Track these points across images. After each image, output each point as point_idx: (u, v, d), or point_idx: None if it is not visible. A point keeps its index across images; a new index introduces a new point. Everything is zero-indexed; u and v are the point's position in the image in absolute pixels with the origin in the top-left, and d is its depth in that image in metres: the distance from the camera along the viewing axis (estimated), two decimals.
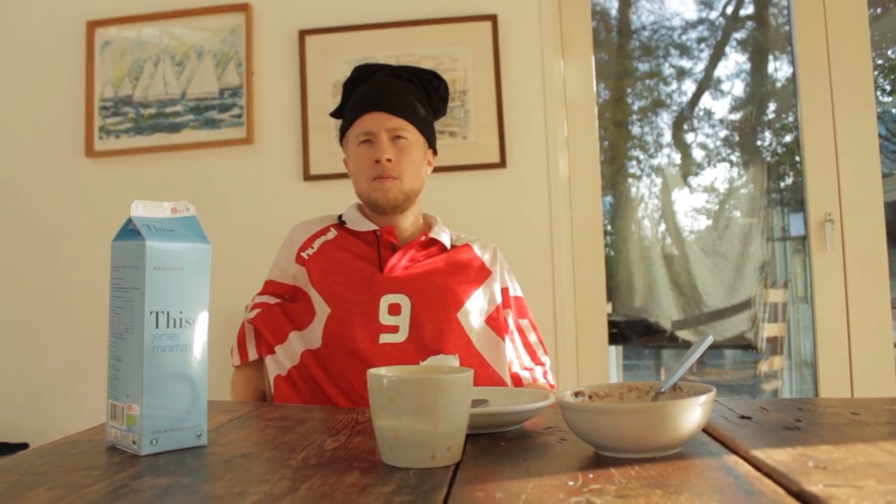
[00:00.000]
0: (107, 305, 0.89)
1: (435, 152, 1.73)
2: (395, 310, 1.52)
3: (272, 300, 1.63)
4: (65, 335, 2.60)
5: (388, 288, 1.54)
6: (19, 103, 2.71)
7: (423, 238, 1.64)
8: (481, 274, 1.65)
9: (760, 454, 0.75)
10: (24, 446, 2.48)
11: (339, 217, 1.71)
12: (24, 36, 2.72)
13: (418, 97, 1.66)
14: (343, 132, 1.69)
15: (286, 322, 1.58)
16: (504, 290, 1.67)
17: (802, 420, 0.94)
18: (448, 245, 1.67)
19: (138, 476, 0.74)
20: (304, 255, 1.63)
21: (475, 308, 1.59)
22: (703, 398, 0.76)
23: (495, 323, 1.61)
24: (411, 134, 1.62)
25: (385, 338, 1.50)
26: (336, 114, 1.74)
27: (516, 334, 1.67)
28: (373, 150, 1.59)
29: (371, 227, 1.62)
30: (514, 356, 1.64)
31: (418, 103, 1.65)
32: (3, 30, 2.74)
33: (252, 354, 1.60)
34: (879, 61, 2.79)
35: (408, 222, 1.66)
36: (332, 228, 1.67)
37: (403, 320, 1.52)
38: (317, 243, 1.64)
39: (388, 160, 1.57)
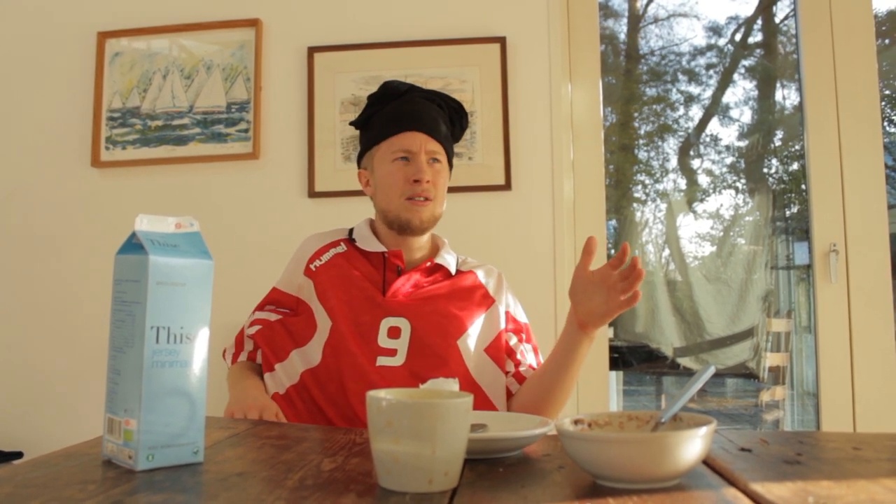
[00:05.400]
0: (107, 316, 0.89)
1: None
2: (394, 333, 1.52)
3: (273, 317, 1.62)
4: (64, 344, 2.60)
5: (390, 311, 1.54)
6: (28, 111, 2.72)
7: (428, 263, 1.63)
8: (485, 301, 1.64)
9: (760, 488, 0.75)
10: (18, 455, 2.47)
11: (350, 232, 1.71)
12: (34, 45, 2.74)
13: (446, 124, 1.67)
14: (368, 146, 1.67)
15: (287, 340, 1.58)
16: (507, 315, 1.67)
17: (803, 454, 0.93)
18: (453, 270, 1.66)
19: (133, 492, 0.73)
20: (312, 266, 1.63)
21: (476, 336, 1.58)
22: (703, 430, 0.76)
23: (496, 352, 1.60)
24: (443, 159, 1.63)
25: (382, 360, 1.49)
26: (357, 124, 1.73)
27: (522, 345, 1.66)
28: (411, 169, 1.58)
29: (380, 248, 1.62)
30: (522, 359, 1.62)
31: (447, 130, 1.66)
32: (14, 38, 2.76)
33: (243, 358, 1.62)
34: (887, 92, 2.79)
35: (420, 244, 1.66)
36: (342, 243, 1.67)
37: (402, 344, 1.51)
38: (326, 256, 1.64)
39: (428, 181, 1.57)
